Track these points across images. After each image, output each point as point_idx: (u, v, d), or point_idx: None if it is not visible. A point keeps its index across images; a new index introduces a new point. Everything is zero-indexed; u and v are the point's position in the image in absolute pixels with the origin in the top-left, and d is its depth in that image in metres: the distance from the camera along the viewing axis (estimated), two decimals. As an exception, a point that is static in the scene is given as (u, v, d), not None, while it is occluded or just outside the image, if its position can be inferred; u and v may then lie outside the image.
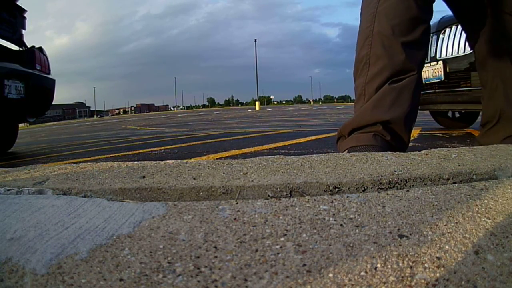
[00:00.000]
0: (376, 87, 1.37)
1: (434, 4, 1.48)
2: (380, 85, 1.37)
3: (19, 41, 3.18)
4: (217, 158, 1.89)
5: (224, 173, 0.91)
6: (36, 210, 0.66)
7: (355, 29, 1.57)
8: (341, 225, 0.56)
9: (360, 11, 1.53)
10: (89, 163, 1.17)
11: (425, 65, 3.09)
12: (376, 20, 1.39)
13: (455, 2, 1.66)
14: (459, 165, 0.91)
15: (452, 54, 2.88)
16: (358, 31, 1.50)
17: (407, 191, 0.73)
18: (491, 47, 1.61)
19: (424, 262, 0.44)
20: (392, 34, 1.36)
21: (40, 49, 3.30)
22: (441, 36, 2.99)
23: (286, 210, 0.63)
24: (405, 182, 0.82)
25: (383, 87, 1.35)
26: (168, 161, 1.13)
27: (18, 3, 3.13)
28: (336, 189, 0.79)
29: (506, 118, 1.60)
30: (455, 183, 0.83)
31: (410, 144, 2.38)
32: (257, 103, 28.49)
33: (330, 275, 0.42)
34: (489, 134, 1.66)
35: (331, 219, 0.59)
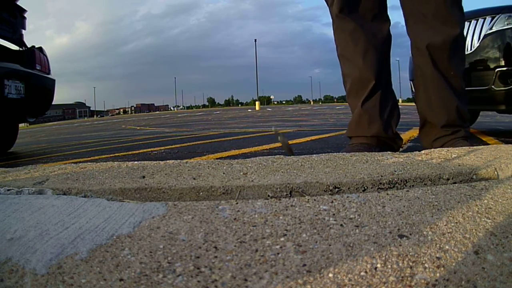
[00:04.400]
0: (352, 101, 1.61)
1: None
2: (354, 99, 1.59)
3: (19, 41, 3.17)
4: (217, 158, 1.89)
5: (224, 173, 0.91)
6: (36, 210, 0.66)
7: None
8: (341, 225, 0.56)
9: None
10: (89, 163, 1.17)
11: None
12: (336, 43, 1.62)
13: None
14: (459, 165, 0.91)
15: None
16: None
17: (407, 191, 0.73)
18: (412, 38, 1.54)
19: (424, 262, 0.44)
20: (346, 53, 1.58)
21: (40, 49, 3.30)
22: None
23: (286, 210, 0.63)
24: (405, 182, 0.82)
25: (358, 109, 1.56)
26: (168, 161, 1.13)
27: (18, 3, 3.13)
28: (336, 189, 0.79)
29: (430, 123, 1.59)
30: (455, 183, 0.83)
31: (410, 144, 2.37)
32: (257, 103, 28.48)
33: (330, 275, 0.42)
34: (423, 135, 1.68)
35: (331, 219, 0.59)
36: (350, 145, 1.57)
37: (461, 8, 1.47)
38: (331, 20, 1.62)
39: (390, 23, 1.58)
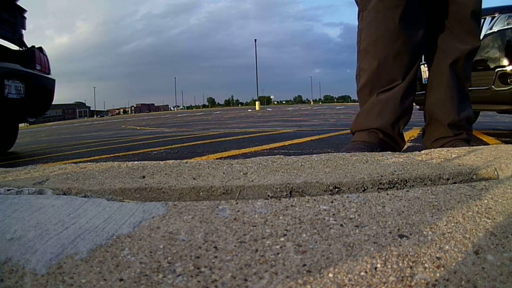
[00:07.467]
0: (364, 97, 1.57)
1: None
2: (366, 96, 1.55)
3: (19, 41, 3.17)
4: (217, 158, 1.89)
5: (224, 173, 0.91)
6: (36, 210, 0.66)
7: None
8: (341, 225, 0.56)
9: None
10: (89, 163, 1.17)
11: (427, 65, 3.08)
12: (361, 37, 1.55)
13: None
14: (459, 165, 0.91)
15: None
16: None
17: (407, 191, 0.73)
18: (432, 37, 1.58)
19: (424, 262, 0.44)
20: (373, 49, 1.51)
21: (40, 49, 3.30)
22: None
23: (286, 210, 0.63)
24: (405, 182, 0.82)
25: (372, 98, 1.53)
26: (168, 161, 1.13)
27: (18, 3, 3.13)
28: (336, 189, 0.79)
29: (435, 121, 1.60)
30: (455, 183, 0.83)
31: (410, 144, 2.37)
32: (257, 103, 28.51)
33: (330, 275, 0.42)
34: (426, 134, 1.69)
35: (331, 219, 0.59)
36: (351, 143, 1.55)
37: (480, 21, 1.60)
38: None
39: (426, 24, 1.54)
